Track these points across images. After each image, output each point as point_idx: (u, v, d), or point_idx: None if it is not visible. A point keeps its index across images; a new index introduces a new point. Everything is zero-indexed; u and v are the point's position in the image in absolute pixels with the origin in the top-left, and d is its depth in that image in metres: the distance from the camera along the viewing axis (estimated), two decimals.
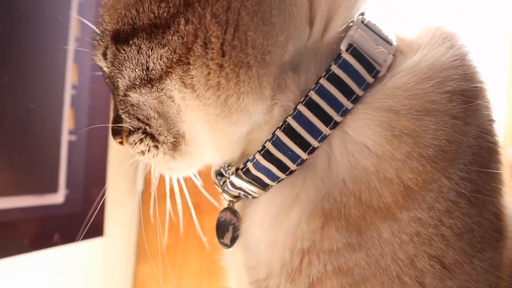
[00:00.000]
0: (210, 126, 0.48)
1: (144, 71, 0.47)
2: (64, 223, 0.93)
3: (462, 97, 0.46)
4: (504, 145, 1.60)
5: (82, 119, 0.97)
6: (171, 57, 0.45)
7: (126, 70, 0.49)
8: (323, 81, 0.46)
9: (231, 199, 0.56)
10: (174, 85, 0.46)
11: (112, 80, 0.52)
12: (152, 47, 0.46)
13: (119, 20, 0.49)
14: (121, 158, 1.19)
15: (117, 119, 0.53)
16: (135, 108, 0.50)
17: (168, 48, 0.45)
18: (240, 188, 0.53)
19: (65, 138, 0.94)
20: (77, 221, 0.96)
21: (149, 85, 0.48)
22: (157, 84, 0.47)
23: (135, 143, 0.51)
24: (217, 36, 0.44)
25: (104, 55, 0.52)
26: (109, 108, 1.05)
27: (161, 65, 0.46)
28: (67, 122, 0.94)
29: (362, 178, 0.45)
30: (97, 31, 0.54)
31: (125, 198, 1.13)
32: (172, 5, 0.45)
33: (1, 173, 0.82)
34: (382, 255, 0.45)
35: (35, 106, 0.87)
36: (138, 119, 0.51)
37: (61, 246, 0.91)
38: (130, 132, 0.52)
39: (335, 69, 0.46)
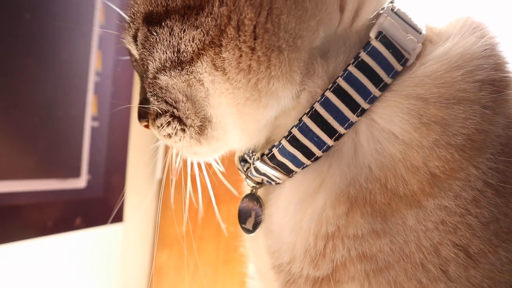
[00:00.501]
0: (238, 110, 0.48)
1: (175, 53, 0.47)
2: (86, 208, 0.94)
3: (492, 86, 0.45)
4: None
5: (105, 106, 0.99)
6: (203, 39, 0.45)
7: (157, 52, 0.49)
8: (351, 68, 0.46)
9: (254, 185, 0.56)
10: (205, 67, 0.46)
11: (142, 62, 0.52)
12: (185, 29, 0.46)
13: (152, 1, 0.49)
14: (141, 146, 1.20)
15: (144, 102, 0.54)
16: (163, 91, 0.50)
17: (201, 30, 0.45)
18: (264, 174, 0.53)
19: (88, 124, 0.95)
20: (98, 206, 0.98)
21: (179, 68, 0.48)
22: (188, 67, 0.47)
23: (162, 126, 0.52)
24: (250, 18, 0.44)
25: (135, 37, 0.53)
26: (131, 94, 1.07)
27: (193, 47, 0.46)
28: (91, 108, 0.96)
29: (388, 165, 0.45)
30: (128, 13, 0.54)
31: (144, 185, 1.15)
32: None
33: (26, 157, 0.84)
34: (407, 242, 0.44)
35: (60, 92, 0.89)
36: (166, 102, 0.51)
37: (83, 230, 0.93)
38: (158, 115, 0.52)
39: (364, 56, 0.46)
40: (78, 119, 0.93)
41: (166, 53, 0.48)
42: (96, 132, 0.97)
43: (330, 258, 0.47)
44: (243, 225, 0.56)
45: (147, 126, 0.55)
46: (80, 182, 0.94)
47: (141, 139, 1.17)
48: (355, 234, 0.45)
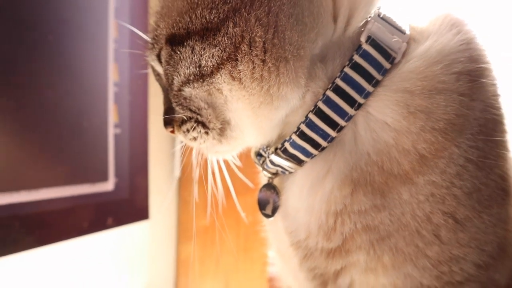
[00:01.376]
0: (254, 113, 0.55)
1: (197, 68, 0.54)
2: (115, 208, 1.03)
3: (468, 76, 0.53)
4: None
5: (125, 113, 1.07)
6: (221, 55, 0.52)
7: (181, 68, 0.56)
8: (347, 69, 0.54)
9: (270, 175, 0.64)
10: (224, 79, 0.53)
11: (166, 77, 0.59)
12: (205, 47, 0.53)
13: (174, 25, 0.56)
14: (159, 148, 1.29)
15: (169, 111, 0.61)
16: (188, 101, 0.58)
17: (219, 47, 0.52)
18: (278, 165, 0.61)
19: (111, 131, 1.03)
20: (126, 206, 1.07)
21: (201, 80, 0.55)
22: (208, 79, 0.54)
23: (188, 131, 0.59)
24: (260, 36, 0.52)
25: (158, 56, 0.60)
26: (146, 102, 1.15)
27: (212, 62, 0.53)
28: (112, 116, 1.04)
29: (383, 150, 0.53)
30: (151, 36, 0.62)
31: (165, 184, 1.23)
32: (221, 12, 0.52)
33: (59, 167, 0.93)
34: (403, 213, 0.52)
35: (84, 104, 0.97)
36: (191, 110, 0.58)
37: (114, 228, 1.02)
38: (183, 122, 0.59)
39: (357, 58, 0.53)
40: (102, 127, 1.02)
41: (189, 68, 0.55)
42: (119, 138, 1.05)
43: (340, 232, 0.55)
44: (263, 211, 0.64)
45: (172, 132, 0.62)
46: (109, 185, 1.02)
47: (159, 142, 1.25)
48: (360, 209, 0.53)
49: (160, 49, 0.59)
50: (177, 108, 0.59)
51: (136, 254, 1.15)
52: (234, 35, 0.52)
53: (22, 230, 0.84)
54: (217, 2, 0.53)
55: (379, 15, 0.55)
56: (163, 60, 0.59)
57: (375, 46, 0.54)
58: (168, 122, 0.62)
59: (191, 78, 0.55)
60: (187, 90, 0.57)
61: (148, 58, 0.63)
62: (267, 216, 0.64)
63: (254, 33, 0.52)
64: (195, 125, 0.58)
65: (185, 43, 0.54)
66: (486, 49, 0.57)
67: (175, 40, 0.56)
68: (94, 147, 1.00)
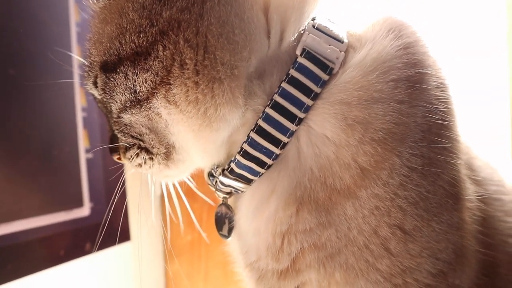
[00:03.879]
0: (195, 135, 0.55)
1: (132, 94, 0.54)
2: (93, 233, 1.03)
3: (407, 82, 0.52)
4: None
5: (95, 138, 1.07)
6: (154, 79, 0.52)
7: (117, 95, 0.55)
8: (284, 85, 0.53)
9: (224, 195, 0.63)
10: (160, 103, 0.53)
11: (105, 104, 0.59)
12: (137, 72, 0.53)
13: (105, 52, 0.55)
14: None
15: (113, 138, 0.61)
16: (128, 127, 0.57)
17: (151, 72, 0.52)
18: (229, 186, 0.60)
19: (83, 157, 1.03)
20: (104, 229, 1.07)
21: (138, 106, 0.54)
22: (145, 104, 0.54)
23: (132, 158, 0.59)
24: (190, 58, 0.51)
25: (95, 83, 0.60)
26: None
27: (146, 87, 0.53)
28: (83, 142, 1.04)
29: (326, 165, 0.52)
30: (86, 63, 0.61)
31: (146, 203, 1.23)
32: (150, 35, 0.52)
33: (32, 197, 0.93)
34: (349, 229, 0.51)
35: (52, 133, 0.97)
36: (132, 136, 0.58)
37: (93, 253, 1.01)
38: (127, 149, 0.59)
39: (293, 72, 0.53)
40: (73, 154, 1.01)
41: (125, 95, 0.55)
42: (91, 163, 1.05)
43: (287, 252, 0.54)
44: (220, 232, 0.64)
45: (119, 159, 0.62)
46: (84, 211, 1.02)
47: None
48: (305, 228, 0.53)
49: (96, 77, 0.58)
50: (119, 135, 0.59)
51: (120, 277, 1.14)
52: (164, 58, 0.51)
53: None
54: (144, 26, 0.52)
55: (314, 26, 0.55)
56: (99, 88, 0.58)
57: (310, 58, 0.53)
58: (114, 149, 0.61)
59: (128, 105, 0.55)
60: (126, 117, 0.56)
61: (87, 86, 0.62)
62: (224, 236, 0.63)
63: (184, 55, 0.51)
64: (138, 151, 0.58)
65: (118, 70, 0.54)
66: (428, 52, 0.56)
67: (108, 67, 0.55)
68: (66, 174, 1.00)
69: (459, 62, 1.92)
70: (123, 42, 0.53)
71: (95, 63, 0.58)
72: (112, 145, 0.60)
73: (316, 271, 0.53)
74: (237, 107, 0.53)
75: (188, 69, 0.51)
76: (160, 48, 0.51)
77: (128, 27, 0.53)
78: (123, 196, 1.14)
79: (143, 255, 1.20)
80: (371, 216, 0.51)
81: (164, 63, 0.52)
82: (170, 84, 0.52)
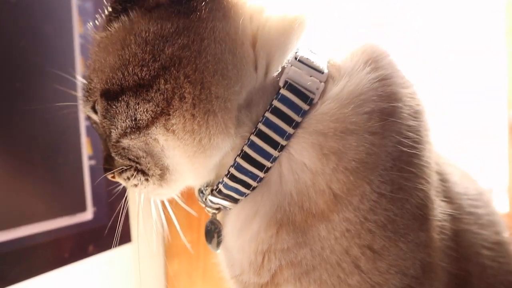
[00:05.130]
0: (189, 160, 0.59)
1: (133, 122, 0.57)
2: (96, 236, 1.09)
3: (380, 114, 0.55)
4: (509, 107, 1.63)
5: (98, 145, 1.12)
6: (155, 110, 0.55)
7: (118, 121, 0.58)
8: (267, 114, 0.57)
9: (213, 211, 0.68)
10: (159, 131, 0.56)
11: (103, 128, 0.62)
12: (139, 102, 0.56)
13: (108, 81, 0.58)
14: None
15: (108, 158, 0.64)
16: (126, 151, 0.61)
17: (152, 103, 0.55)
18: (218, 203, 0.65)
19: (86, 163, 1.09)
20: (106, 232, 1.12)
21: (138, 132, 0.58)
22: (144, 131, 0.57)
23: (129, 178, 0.63)
24: (189, 92, 0.55)
25: (93, 108, 0.64)
26: None
27: (147, 116, 0.56)
28: (86, 149, 1.09)
29: (303, 191, 0.56)
30: (85, 87, 0.65)
31: (146, 206, 1.28)
32: (152, 69, 0.55)
33: (39, 202, 0.98)
34: (323, 248, 0.56)
35: (56, 142, 1.02)
36: (129, 159, 0.61)
37: (96, 255, 1.07)
38: (123, 170, 0.63)
39: (276, 103, 0.57)
40: (77, 161, 1.07)
41: (126, 122, 0.58)
42: (94, 169, 1.10)
43: (267, 268, 0.59)
44: (209, 244, 0.69)
45: (113, 177, 0.66)
46: (87, 215, 1.08)
47: None
48: (283, 248, 0.57)
49: (95, 102, 0.62)
50: (116, 158, 0.62)
51: (122, 277, 1.21)
52: (165, 91, 0.55)
53: (4, 267, 0.90)
54: (147, 60, 0.55)
55: (296, 58, 0.59)
56: (99, 113, 0.62)
57: (292, 90, 0.57)
58: (108, 169, 0.65)
59: (128, 131, 0.58)
60: (125, 142, 0.60)
61: (84, 108, 0.66)
62: (213, 249, 0.68)
63: (184, 90, 0.55)
64: (134, 173, 0.61)
65: (120, 98, 0.57)
66: (403, 83, 0.60)
67: (110, 95, 0.59)
68: (70, 180, 1.05)
69: (456, 62, 1.94)
70: (125, 73, 0.57)
71: (95, 90, 0.62)
72: (107, 166, 0.65)
73: (293, 285, 0.58)
74: (229, 136, 0.57)
75: (186, 102, 0.55)
76: (162, 81, 0.55)
77: (131, 59, 0.56)
78: (125, 200, 1.19)
79: (144, 256, 1.26)
80: (342, 238, 0.55)
81: (165, 96, 0.55)
82: (169, 115, 0.56)
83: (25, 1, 0.98)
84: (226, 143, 0.58)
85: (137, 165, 0.62)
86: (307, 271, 0.57)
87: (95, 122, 0.66)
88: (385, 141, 0.55)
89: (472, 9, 1.96)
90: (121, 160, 0.63)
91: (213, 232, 0.68)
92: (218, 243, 0.67)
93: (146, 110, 0.56)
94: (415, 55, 1.89)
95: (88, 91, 0.64)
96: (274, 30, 0.58)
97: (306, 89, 0.57)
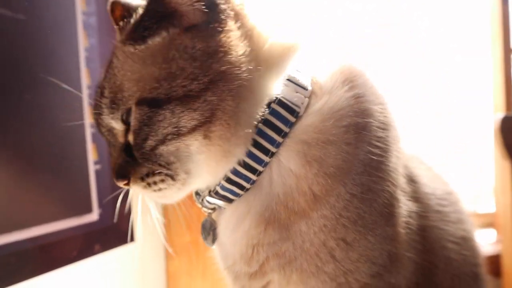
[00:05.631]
0: (214, 165, 0.67)
1: (175, 129, 0.63)
2: (101, 236, 1.16)
3: (355, 128, 0.65)
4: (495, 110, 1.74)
5: (103, 151, 1.20)
6: (200, 119, 0.62)
7: (159, 128, 0.63)
8: (260, 126, 0.66)
9: (209, 211, 0.76)
10: (196, 137, 0.63)
11: (136, 135, 0.65)
12: (184, 111, 0.62)
13: (151, 90, 0.63)
14: None
15: (124, 165, 0.68)
16: (158, 156, 0.65)
17: (198, 112, 0.62)
18: (214, 203, 0.73)
19: (92, 168, 1.16)
20: (112, 232, 1.20)
21: (176, 138, 0.64)
22: (182, 137, 0.63)
23: (156, 183, 0.67)
24: (230, 105, 0.63)
25: (122, 116, 0.67)
26: None
27: (191, 124, 0.63)
28: (91, 155, 1.17)
29: (288, 192, 0.65)
30: (109, 96, 0.67)
31: (147, 207, 1.36)
32: (202, 83, 0.62)
33: (47, 205, 1.06)
34: (304, 241, 0.65)
35: (63, 149, 1.10)
36: (160, 165, 0.66)
37: (102, 253, 1.15)
38: (147, 175, 0.66)
39: (267, 116, 0.66)
40: (82, 166, 1.15)
41: (167, 129, 0.63)
42: (99, 174, 1.18)
43: (256, 259, 0.69)
44: (205, 240, 0.77)
45: (127, 184, 0.69)
46: (93, 216, 1.16)
47: None
48: (269, 242, 0.67)
49: (126, 110, 0.65)
50: (145, 164, 0.65)
51: (125, 275, 1.28)
52: (211, 103, 0.62)
53: (18, 264, 0.98)
54: (197, 74, 0.62)
55: (285, 78, 0.68)
56: (133, 121, 0.65)
57: (281, 104, 0.66)
58: (123, 175, 0.68)
59: (169, 137, 0.64)
60: (162, 148, 0.65)
61: (108, 117, 0.68)
62: (209, 244, 0.76)
63: (226, 102, 0.63)
64: (164, 177, 0.66)
65: (165, 107, 0.63)
66: (375, 100, 0.69)
67: (153, 103, 0.63)
68: (76, 185, 1.13)
69: (444, 66, 2.03)
70: (173, 85, 0.63)
71: (128, 98, 0.65)
72: (122, 172, 0.67)
73: (278, 273, 0.68)
74: (244, 147, 0.66)
75: (226, 113, 0.63)
76: (209, 94, 0.62)
77: (178, 73, 0.63)
78: (128, 202, 1.27)
79: (146, 255, 1.34)
80: (320, 232, 0.65)
81: (211, 106, 0.62)
82: (211, 123, 0.63)
83: (33, 17, 1.06)
84: (243, 152, 0.66)
85: (168, 171, 0.66)
86: (289, 261, 0.66)
87: (109, 130, 0.69)
88: (358, 150, 0.65)
89: (459, 15, 2.04)
90: (150, 165, 0.65)
91: (208, 230, 0.76)
92: (213, 239, 0.75)
93: (192, 118, 0.62)
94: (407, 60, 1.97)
95: (115, 99, 0.66)
96: (276, 54, 0.67)
97: (293, 103, 0.66)
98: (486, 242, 1.94)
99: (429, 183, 0.80)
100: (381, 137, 0.67)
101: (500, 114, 1.72)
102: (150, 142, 0.64)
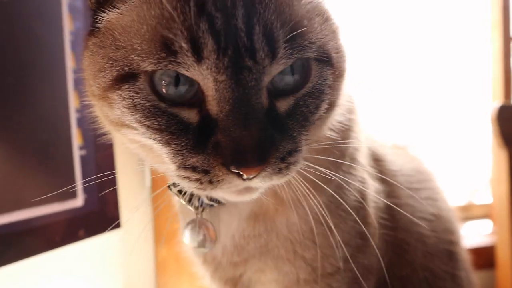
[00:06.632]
0: None
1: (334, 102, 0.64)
2: (86, 221, 1.15)
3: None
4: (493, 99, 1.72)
5: (88, 136, 1.18)
6: None
7: (335, 96, 0.63)
8: None
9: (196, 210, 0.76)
10: None
11: (309, 96, 0.57)
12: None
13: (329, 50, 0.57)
14: (127, 163, 1.40)
15: (269, 139, 0.53)
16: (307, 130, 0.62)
17: None
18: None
19: (77, 153, 1.15)
20: (97, 218, 1.19)
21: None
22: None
23: (295, 164, 0.58)
24: None
25: (293, 67, 0.54)
26: None
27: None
28: (76, 140, 1.16)
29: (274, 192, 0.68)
30: (286, 33, 0.51)
31: (136, 194, 1.35)
32: None
33: (32, 189, 1.05)
34: (290, 231, 0.69)
35: (48, 134, 1.09)
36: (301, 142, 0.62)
37: (86, 239, 1.15)
38: (290, 153, 0.57)
39: None
40: (67, 151, 1.14)
41: (331, 99, 0.60)
42: (84, 159, 1.17)
43: (246, 249, 0.71)
44: (188, 243, 0.76)
45: (259, 169, 0.52)
46: (78, 202, 1.15)
47: (126, 158, 1.36)
48: (255, 234, 0.70)
49: (308, 59, 0.54)
50: (292, 139, 0.55)
51: (110, 262, 1.28)
52: None
53: (0, 249, 0.97)
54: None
55: None
56: (313, 79, 0.55)
57: None
58: (264, 156, 0.51)
59: (328, 110, 0.61)
60: (319, 122, 0.61)
61: (261, 65, 0.50)
62: (192, 243, 0.75)
63: None
64: (299, 158, 0.57)
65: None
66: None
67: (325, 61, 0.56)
68: (61, 170, 1.12)
69: (441, 54, 1.99)
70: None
71: (310, 44, 0.53)
72: (264, 151, 0.52)
73: (257, 260, 0.71)
74: None
75: None
76: None
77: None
78: (115, 188, 1.26)
79: (133, 241, 1.33)
80: (311, 219, 0.66)
81: None
82: None
83: (16, 0, 1.04)
84: None
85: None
86: (270, 249, 0.70)
87: (252, 87, 0.50)
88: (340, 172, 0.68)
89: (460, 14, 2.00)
90: (297, 142, 0.56)
91: (199, 232, 0.75)
92: (202, 241, 0.73)
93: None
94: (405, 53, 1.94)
95: (293, 42, 0.51)
96: None
97: None
98: (482, 233, 1.92)
99: (396, 160, 0.80)
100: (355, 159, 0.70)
101: (497, 103, 1.69)
102: (322, 113, 0.57)
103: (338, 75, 0.58)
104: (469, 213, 1.98)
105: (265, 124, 0.51)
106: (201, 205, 0.73)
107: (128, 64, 0.52)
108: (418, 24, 1.99)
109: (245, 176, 0.51)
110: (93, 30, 0.60)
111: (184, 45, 0.48)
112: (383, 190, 0.74)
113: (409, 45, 1.97)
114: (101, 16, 0.59)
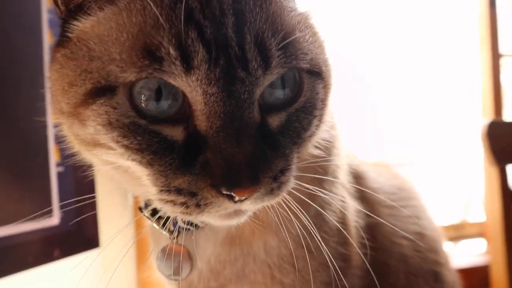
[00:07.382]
0: None
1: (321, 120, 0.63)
2: (62, 241, 1.11)
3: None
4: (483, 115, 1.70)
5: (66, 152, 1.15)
6: None
7: (323, 113, 0.61)
8: None
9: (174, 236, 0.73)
10: None
11: (302, 111, 0.55)
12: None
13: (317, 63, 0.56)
14: (108, 181, 1.36)
15: (261, 156, 0.51)
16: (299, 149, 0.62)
17: None
18: (182, 228, 0.71)
19: (54, 170, 1.12)
20: (73, 237, 1.15)
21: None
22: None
23: (285, 184, 0.56)
24: None
25: (283, 79, 0.52)
26: None
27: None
28: (53, 156, 1.12)
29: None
30: (278, 42, 0.49)
31: (118, 212, 1.31)
32: None
33: (4, 206, 1.01)
34: (268, 255, 0.66)
35: (23, 149, 1.06)
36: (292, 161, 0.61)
37: (61, 259, 1.10)
38: (282, 171, 0.55)
39: None
40: (44, 168, 1.10)
41: (323, 116, 0.62)
42: (62, 176, 1.13)
43: (222, 274, 0.68)
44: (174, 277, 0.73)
45: (252, 190, 0.49)
46: (54, 220, 1.11)
47: (108, 175, 1.32)
48: (231, 259, 0.68)
49: (299, 71, 0.51)
50: (284, 157, 0.52)
51: (88, 282, 1.22)
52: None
53: None
54: None
55: None
56: (304, 93, 0.53)
57: None
58: (257, 175, 0.48)
59: (317, 128, 0.61)
60: (312, 139, 0.61)
61: (256, 77, 0.48)
62: (165, 271, 0.71)
63: None
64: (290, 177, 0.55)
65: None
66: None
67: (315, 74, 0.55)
68: (37, 186, 1.08)
69: (431, 70, 1.99)
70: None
71: (303, 55, 0.51)
72: (257, 169, 0.49)
73: (234, 285, 0.68)
74: None
75: None
76: None
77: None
78: (94, 206, 1.22)
79: (113, 262, 1.28)
80: (275, 247, 0.65)
81: None
82: None
83: None
84: None
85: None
86: (247, 274, 0.67)
87: (244, 100, 0.47)
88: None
89: (448, 20, 2.01)
90: (289, 160, 0.53)
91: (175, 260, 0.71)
92: (177, 268, 0.69)
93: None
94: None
95: (286, 52, 0.48)
96: None
97: None
98: (476, 252, 1.88)
99: (377, 178, 0.77)
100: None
101: (488, 119, 1.67)
102: (314, 129, 0.56)
103: (328, 89, 0.56)
104: (462, 231, 1.94)
105: (258, 141, 0.48)
106: (177, 229, 0.69)
107: (105, 76, 0.48)
108: (408, 40, 1.99)
109: (236, 198, 0.47)
110: (62, 41, 0.57)
111: (172, 52, 0.45)
112: (363, 208, 0.71)
113: (400, 60, 1.96)
114: (72, 25, 0.54)
